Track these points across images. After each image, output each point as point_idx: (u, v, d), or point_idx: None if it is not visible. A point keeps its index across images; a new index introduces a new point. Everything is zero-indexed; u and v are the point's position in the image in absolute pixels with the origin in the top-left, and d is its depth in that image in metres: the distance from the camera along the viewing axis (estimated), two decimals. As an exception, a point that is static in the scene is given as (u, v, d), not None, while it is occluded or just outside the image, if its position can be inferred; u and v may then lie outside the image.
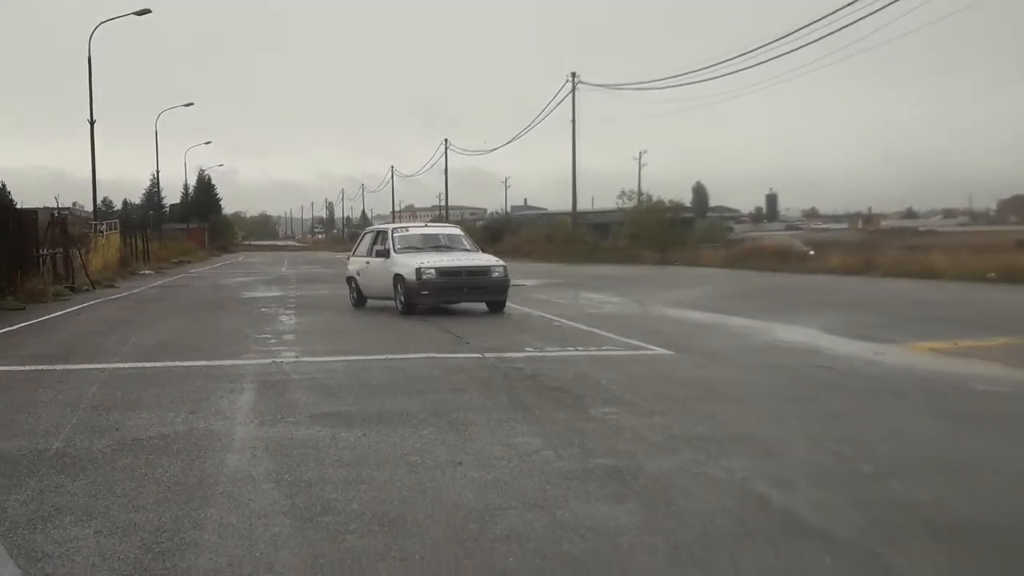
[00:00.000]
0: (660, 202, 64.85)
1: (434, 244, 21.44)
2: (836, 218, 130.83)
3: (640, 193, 69.29)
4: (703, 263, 50.01)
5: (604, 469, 6.91)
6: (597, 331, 16.42)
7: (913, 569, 4.87)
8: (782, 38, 60.52)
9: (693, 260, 52.65)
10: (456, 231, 23.76)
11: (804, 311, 19.89)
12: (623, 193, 69.93)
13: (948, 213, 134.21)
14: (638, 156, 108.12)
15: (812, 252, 47.22)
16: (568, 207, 73.92)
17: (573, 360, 12.96)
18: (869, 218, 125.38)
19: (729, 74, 71.87)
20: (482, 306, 20.50)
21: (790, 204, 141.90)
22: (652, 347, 14.19)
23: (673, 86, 75.48)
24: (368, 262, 21.68)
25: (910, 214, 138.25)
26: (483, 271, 20.09)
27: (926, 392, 10.33)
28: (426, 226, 24.59)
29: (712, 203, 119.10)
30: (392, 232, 21.68)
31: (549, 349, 13.99)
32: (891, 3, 35.59)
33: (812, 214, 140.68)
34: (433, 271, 19.11)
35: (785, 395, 10.24)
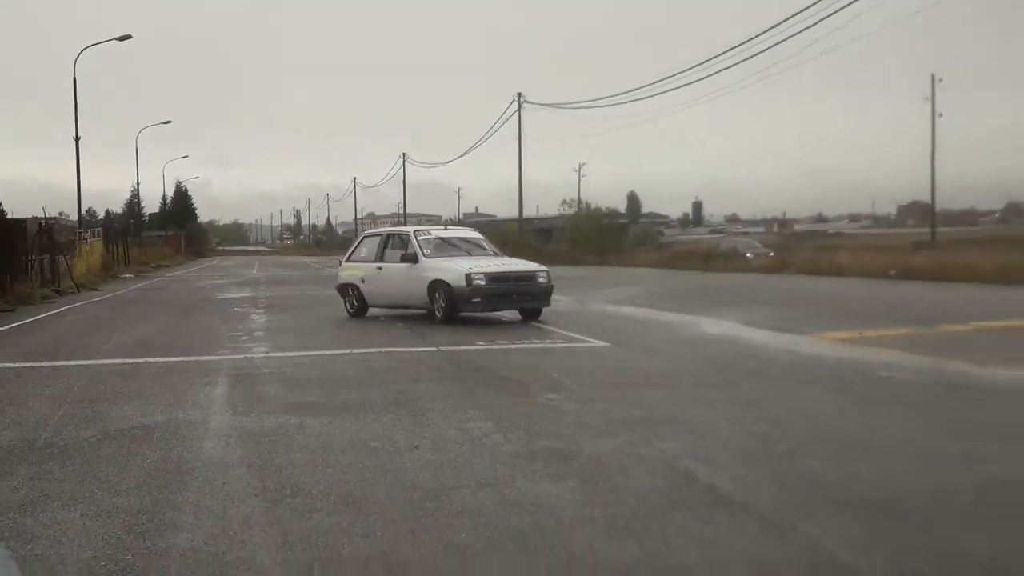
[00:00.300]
0: (598, 209, 65.87)
1: (461, 248, 18.31)
2: (755, 223, 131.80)
3: (580, 201, 70.40)
4: (637, 264, 50.36)
5: (548, 450, 6.91)
6: (542, 326, 16.44)
7: (825, 538, 4.92)
8: (706, 62, 61.34)
9: (628, 261, 53.00)
10: (476, 235, 20.02)
11: (727, 306, 20.04)
12: (565, 201, 71.19)
13: (853, 218, 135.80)
14: (578, 168, 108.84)
15: (772, 253, 47.46)
16: (515, 214, 74.14)
17: (521, 352, 12.97)
18: (784, 223, 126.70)
19: (661, 93, 72.51)
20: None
21: (714, 211, 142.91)
22: (592, 340, 14.23)
23: (610, 105, 76.31)
24: (380, 267, 18.20)
25: (820, 219, 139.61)
26: (530, 277, 17.17)
27: (835, 378, 10.45)
28: (446, 229, 20.50)
29: (644, 210, 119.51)
30: (415, 235, 17.98)
31: (499, 342, 13.97)
32: (803, 30, 36.13)
33: (733, 219, 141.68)
34: (483, 277, 16.22)
35: (711, 382, 10.30)
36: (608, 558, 4.62)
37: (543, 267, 17.76)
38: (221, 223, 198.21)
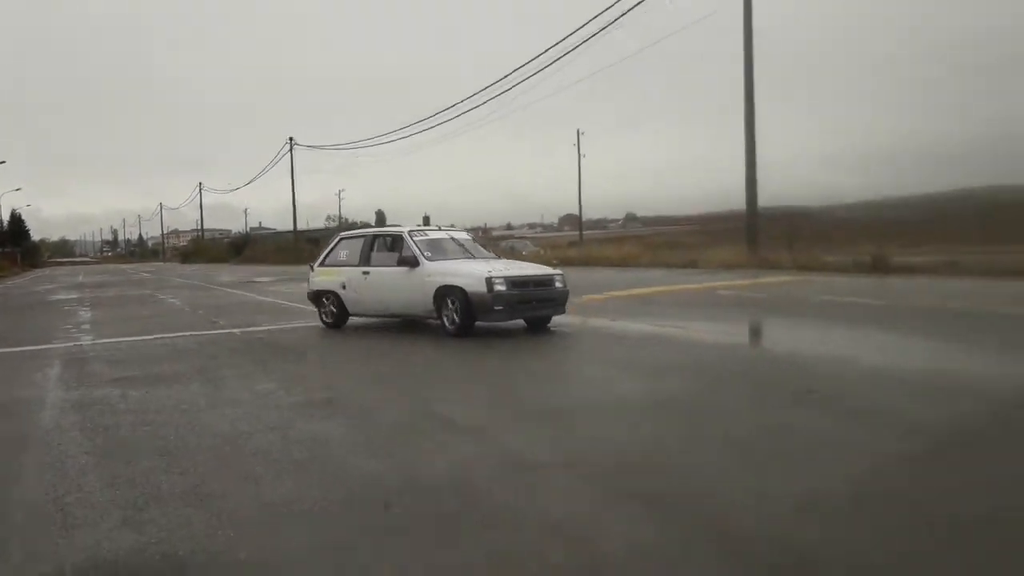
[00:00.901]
0: (354, 223, 66.39)
1: (458, 250, 12.28)
2: (466, 231, 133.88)
3: (340, 217, 70.77)
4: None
5: (322, 400, 6.75)
6: (314, 309, 15.97)
7: (516, 442, 5.14)
8: (431, 116, 62.23)
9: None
10: (467, 236, 13.60)
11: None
12: (329, 217, 71.70)
13: (531, 226, 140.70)
14: (338, 192, 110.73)
15: (542, 251, 46.85)
16: (292, 227, 72.46)
17: (299, 329, 12.56)
18: (485, 230, 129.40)
19: (400, 139, 73.17)
20: (227, 293, 18.21)
21: (437, 222, 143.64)
22: (352, 317, 13.98)
23: (362, 147, 75.64)
24: (367, 272, 12.21)
25: (509, 227, 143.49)
26: (548, 281, 11.50)
27: (524, 337, 10.86)
28: (440, 229, 13.47)
29: (389, 222, 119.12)
30: (411, 236, 11.94)
31: (280, 323, 13.46)
32: (499, 95, 37.26)
33: (451, 228, 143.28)
34: (504, 282, 10.68)
35: (450, 343, 10.43)
36: (368, 471, 4.59)
37: (557, 270, 12.16)
38: (50, 240, 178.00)
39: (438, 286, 11.05)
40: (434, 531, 3.64)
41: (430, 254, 11.63)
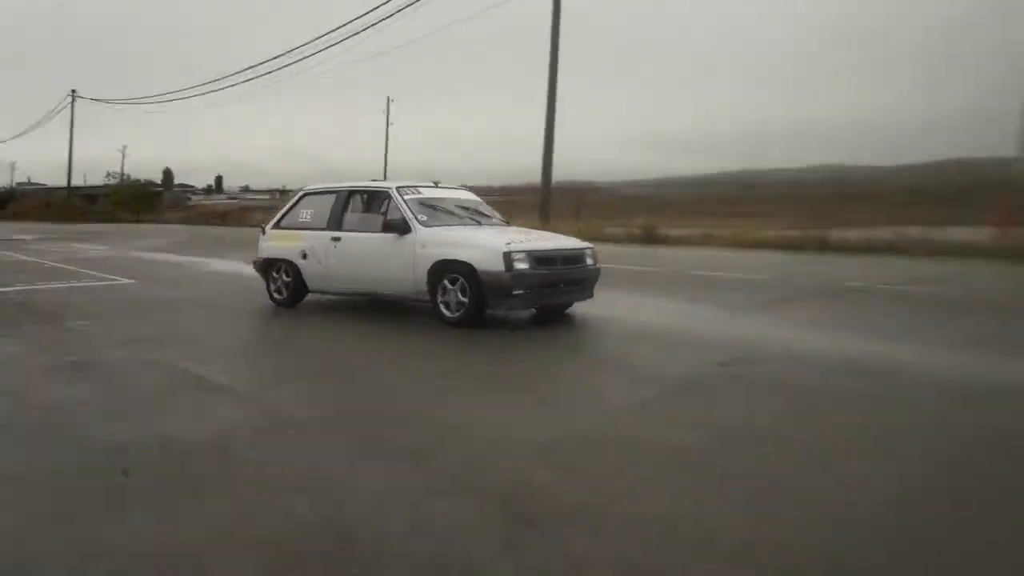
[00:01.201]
0: (137, 180, 63.22)
1: (462, 214, 9.22)
2: (263, 192, 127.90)
3: (123, 174, 66.56)
4: (169, 221, 46.73)
5: (71, 363, 6.14)
6: (80, 270, 14.53)
7: (283, 402, 4.99)
8: (217, 79, 58.73)
9: (160, 219, 49.11)
10: (475, 197, 9.98)
11: (232, 250, 19.36)
12: (109, 174, 67.28)
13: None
14: (122, 148, 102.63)
15: None
16: (66, 183, 65.86)
17: (57, 291, 11.34)
18: (283, 191, 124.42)
19: (188, 98, 68.62)
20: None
21: (232, 183, 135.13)
22: (120, 278, 12.88)
23: (150, 102, 69.83)
24: (337, 238, 9.06)
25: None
26: (578, 257, 8.56)
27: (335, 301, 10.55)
28: (436, 186, 9.45)
29: (177, 181, 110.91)
30: (400, 194, 8.80)
31: (39, 284, 12.07)
32: (294, 62, 35.63)
33: (247, 189, 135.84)
34: (525, 258, 7.84)
35: (210, 302, 9.87)
36: (109, 434, 4.24)
37: (587, 243, 8.99)
38: None
39: (435, 260, 8.17)
40: (179, 495, 3.45)
41: (425, 218, 8.62)
